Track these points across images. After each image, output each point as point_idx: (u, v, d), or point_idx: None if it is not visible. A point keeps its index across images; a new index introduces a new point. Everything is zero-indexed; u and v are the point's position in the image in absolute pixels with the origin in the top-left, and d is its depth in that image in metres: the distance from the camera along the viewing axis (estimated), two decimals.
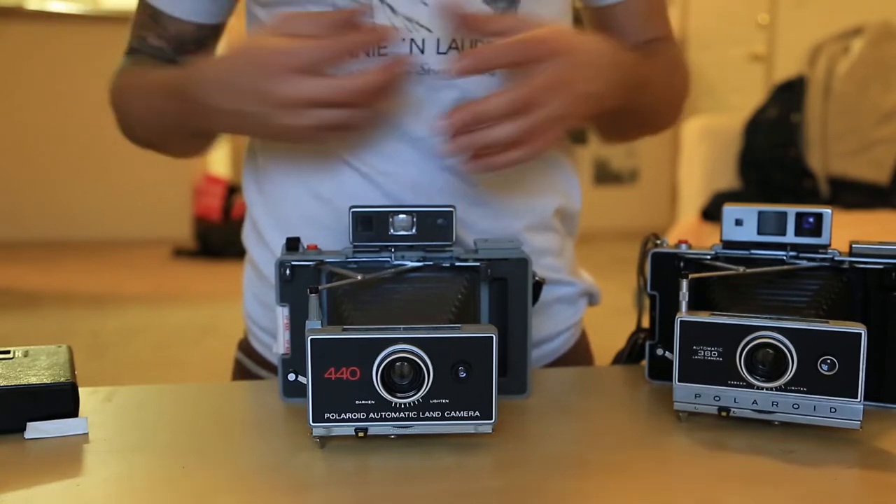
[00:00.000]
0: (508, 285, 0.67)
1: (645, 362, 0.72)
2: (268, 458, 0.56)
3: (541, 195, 0.82)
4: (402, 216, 0.67)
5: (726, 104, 5.07)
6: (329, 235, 0.76)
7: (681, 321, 0.60)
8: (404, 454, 0.56)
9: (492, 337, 0.55)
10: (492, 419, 0.56)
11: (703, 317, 0.60)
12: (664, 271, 0.70)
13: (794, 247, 0.67)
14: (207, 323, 3.65)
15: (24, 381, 0.60)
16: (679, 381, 0.60)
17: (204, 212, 5.40)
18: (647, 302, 0.72)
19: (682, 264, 0.69)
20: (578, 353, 0.89)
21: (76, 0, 5.71)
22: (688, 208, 3.35)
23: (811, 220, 0.66)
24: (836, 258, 0.66)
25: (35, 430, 0.59)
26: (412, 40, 0.75)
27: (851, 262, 0.66)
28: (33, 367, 0.63)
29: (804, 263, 0.67)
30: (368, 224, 0.66)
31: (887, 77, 3.16)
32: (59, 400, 0.60)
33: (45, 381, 0.61)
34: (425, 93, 0.76)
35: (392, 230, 0.67)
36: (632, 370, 0.76)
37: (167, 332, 3.53)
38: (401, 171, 0.77)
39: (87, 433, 0.60)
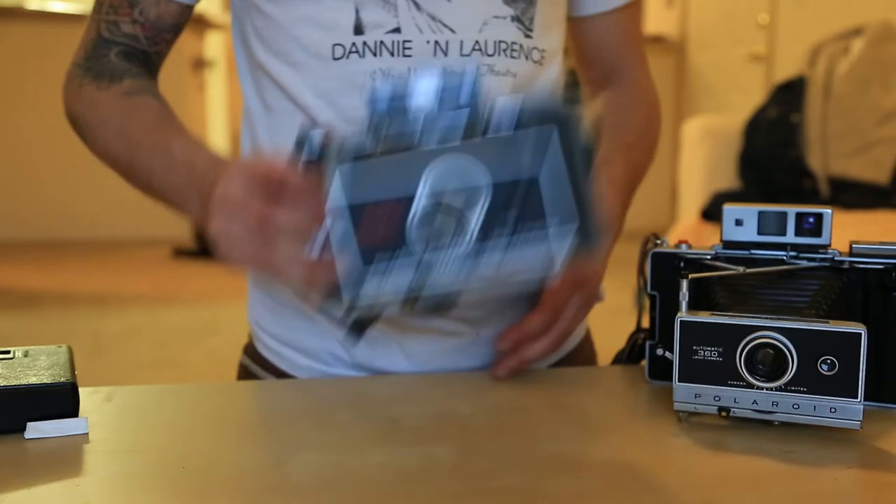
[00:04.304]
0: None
1: (645, 362, 0.72)
2: (267, 459, 0.56)
3: None
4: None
5: (726, 104, 5.07)
6: None
7: (681, 321, 0.60)
8: (404, 454, 0.56)
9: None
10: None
11: (704, 317, 0.60)
12: (664, 271, 0.70)
13: (795, 247, 0.67)
14: (207, 323, 3.65)
15: (24, 381, 0.60)
16: (679, 381, 0.60)
17: None
18: (647, 302, 0.72)
19: (682, 264, 0.69)
20: (586, 349, 0.90)
21: (76, 0, 5.71)
22: (688, 208, 3.35)
23: (811, 220, 0.66)
24: (836, 258, 0.66)
25: (35, 430, 0.59)
26: (436, 42, 0.75)
27: (851, 262, 0.66)
28: (33, 367, 0.63)
29: (804, 263, 0.67)
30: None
31: (887, 77, 3.16)
32: (59, 400, 0.60)
33: (45, 381, 0.61)
34: None
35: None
36: (632, 370, 0.76)
37: (167, 332, 3.53)
38: None
39: (87, 433, 0.60)
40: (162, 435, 0.61)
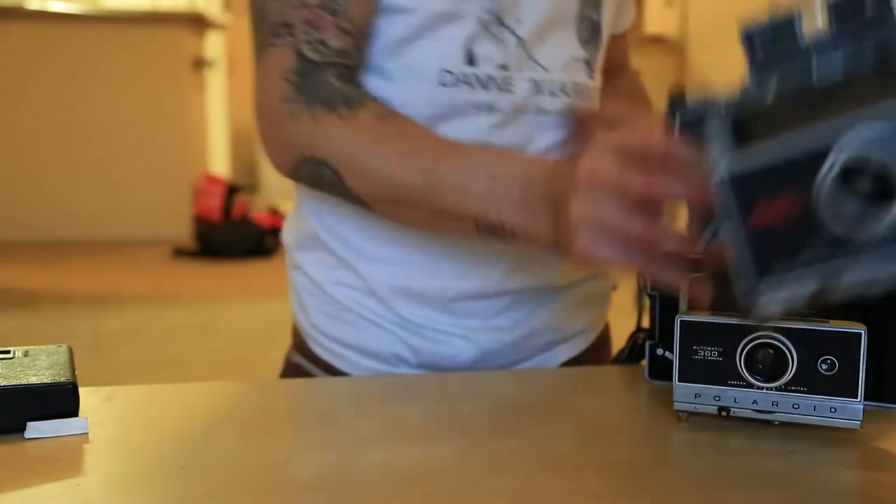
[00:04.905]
0: None
1: (645, 362, 0.72)
2: (267, 459, 0.56)
3: None
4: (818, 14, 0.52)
5: None
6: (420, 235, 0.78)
7: (681, 321, 0.60)
8: (404, 454, 0.56)
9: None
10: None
11: (703, 317, 0.60)
12: None
13: None
14: (207, 323, 3.65)
15: (24, 381, 0.60)
16: (679, 380, 0.60)
17: (204, 212, 5.40)
18: (647, 302, 0.72)
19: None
20: (604, 339, 0.92)
21: (76, 0, 5.71)
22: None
23: None
24: None
25: (35, 430, 0.59)
26: (533, 80, 0.78)
27: None
28: (33, 367, 0.63)
29: None
30: (771, 41, 0.53)
31: None
32: (59, 400, 0.60)
33: (45, 381, 0.61)
34: (532, 131, 0.79)
35: (803, 38, 0.52)
36: (632, 370, 0.76)
37: (167, 332, 3.53)
38: None
39: (87, 433, 0.60)
40: (162, 435, 0.61)
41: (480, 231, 0.67)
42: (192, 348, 3.33)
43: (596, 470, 0.55)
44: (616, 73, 0.95)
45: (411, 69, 0.76)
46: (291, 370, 0.89)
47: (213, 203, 5.39)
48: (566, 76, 0.80)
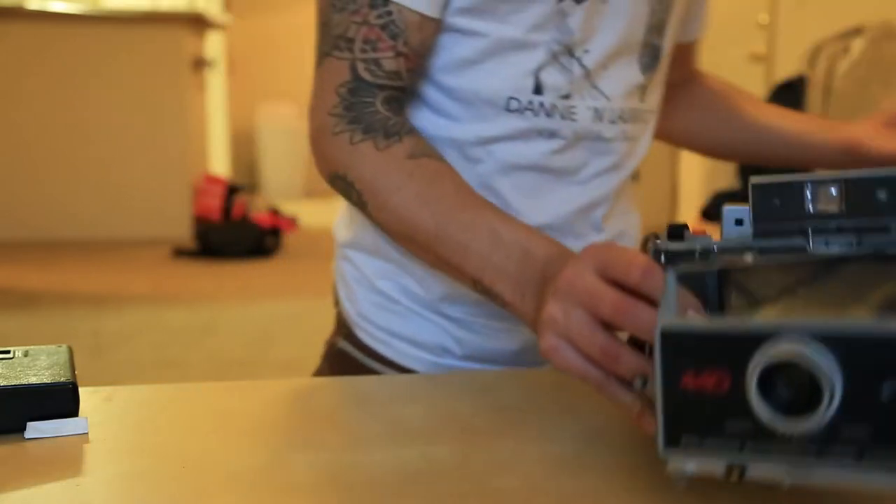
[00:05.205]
0: None
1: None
2: (267, 459, 0.56)
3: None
4: (829, 187, 0.49)
5: None
6: None
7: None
8: (405, 454, 0.56)
9: None
10: None
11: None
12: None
13: None
14: (207, 323, 3.65)
15: (24, 381, 0.60)
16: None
17: (204, 212, 5.40)
18: None
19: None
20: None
21: (76, 0, 5.71)
22: (688, 208, 3.36)
23: None
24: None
25: (35, 430, 0.59)
26: (595, 108, 0.80)
27: None
28: (33, 367, 0.63)
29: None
30: (777, 198, 0.51)
31: (887, 77, 3.16)
32: (59, 400, 0.60)
33: (45, 381, 0.61)
34: (587, 156, 0.82)
35: (811, 207, 0.50)
36: None
37: (167, 332, 3.53)
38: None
39: (87, 433, 0.60)
40: (162, 435, 0.61)
41: (476, 289, 0.69)
42: (192, 348, 3.34)
43: (596, 470, 0.55)
44: (691, 82, 1.01)
45: (475, 91, 0.78)
46: (336, 356, 0.92)
47: (213, 203, 5.39)
48: (625, 103, 0.82)
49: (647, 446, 0.59)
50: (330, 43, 0.74)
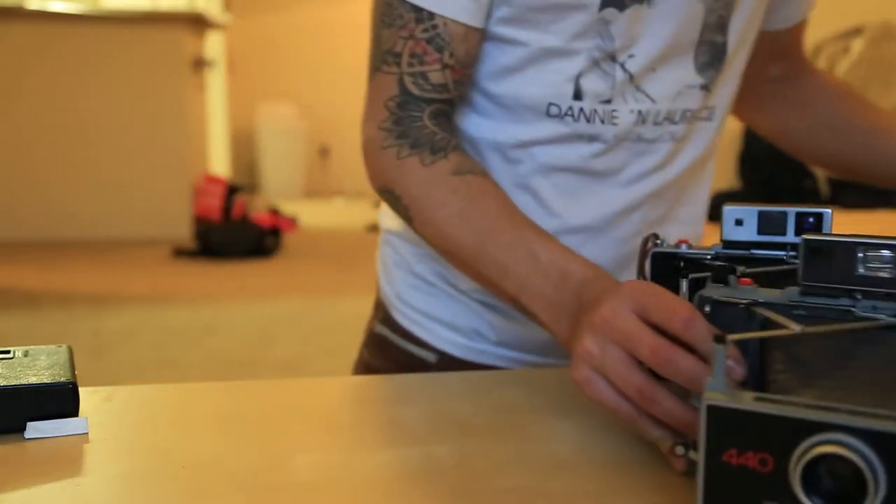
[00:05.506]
0: None
1: None
2: (267, 459, 0.56)
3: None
4: (883, 252, 0.48)
5: None
6: None
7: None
8: (404, 454, 0.56)
9: None
10: None
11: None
12: (664, 271, 0.70)
13: (795, 247, 0.67)
14: (207, 323, 3.65)
15: (24, 381, 0.60)
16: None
17: (204, 212, 5.41)
18: None
19: (682, 264, 0.69)
20: None
21: (76, 0, 5.72)
22: None
23: (811, 220, 0.66)
24: None
25: (35, 430, 0.59)
26: (638, 111, 0.79)
27: None
28: (33, 367, 0.63)
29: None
30: (827, 257, 0.49)
31: (887, 77, 3.16)
32: (59, 400, 0.60)
33: (45, 381, 0.61)
34: (629, 157, 0.81)
35: (861, 269, 0.49)
36: None
37: (167, 332, 3.53)
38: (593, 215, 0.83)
39: (87, 433, 0.60)
40: (162, 435, 0.61)
41: (515, 306, 0.70)
42: (192, 348, 3.34)
43: (596, 470, 0.55)
44: (801, 77, 0.96)
45: (516, 97, 0.78)
46: (375, 341, 0.94)
47: (213, 203, 5.40)
48: (675, 104, 0.80)
49: (647, 446, 0.59)
50: (379, 58, 0.75)
